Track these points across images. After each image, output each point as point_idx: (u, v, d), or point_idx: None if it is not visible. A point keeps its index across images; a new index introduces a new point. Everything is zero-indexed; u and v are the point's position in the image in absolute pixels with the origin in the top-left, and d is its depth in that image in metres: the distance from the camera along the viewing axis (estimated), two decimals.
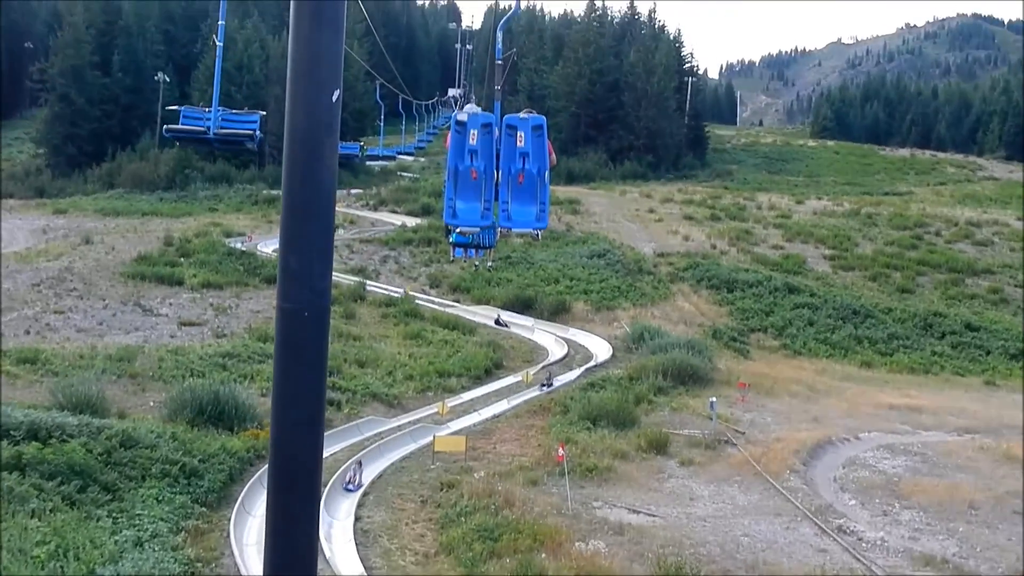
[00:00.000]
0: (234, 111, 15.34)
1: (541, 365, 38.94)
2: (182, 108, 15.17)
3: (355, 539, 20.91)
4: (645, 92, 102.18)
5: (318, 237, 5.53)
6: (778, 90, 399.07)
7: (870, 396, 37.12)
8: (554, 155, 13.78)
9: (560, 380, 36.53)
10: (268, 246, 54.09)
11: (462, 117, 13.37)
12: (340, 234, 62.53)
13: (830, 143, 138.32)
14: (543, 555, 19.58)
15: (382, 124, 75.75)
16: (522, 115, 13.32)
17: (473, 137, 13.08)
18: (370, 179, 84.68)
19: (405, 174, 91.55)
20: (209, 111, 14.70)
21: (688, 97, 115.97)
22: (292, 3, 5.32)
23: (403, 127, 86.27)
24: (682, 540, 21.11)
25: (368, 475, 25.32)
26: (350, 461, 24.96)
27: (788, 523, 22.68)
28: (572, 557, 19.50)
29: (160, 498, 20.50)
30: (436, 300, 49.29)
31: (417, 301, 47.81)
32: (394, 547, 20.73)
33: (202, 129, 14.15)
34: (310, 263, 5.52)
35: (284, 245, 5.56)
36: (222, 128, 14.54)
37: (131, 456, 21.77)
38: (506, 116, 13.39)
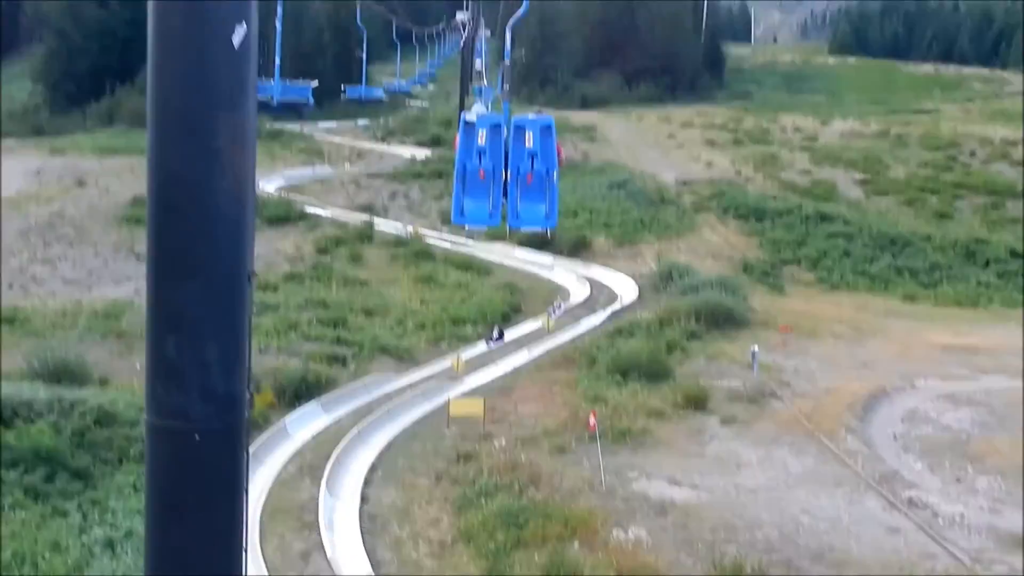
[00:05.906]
0: None
1: (564, 309, 36.25)
2: None
3: (361, 526, 18.51)
4: (660, 11, 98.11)
5: (221, 301, 2.89)
6: (791, 5, 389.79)
7: (920, 335, 34.31)
8: (563, 154, 14.60)
9: (585, 323, 33.98)
10: (270, 184, 51.16)
11: (470, 118, 13.85)
12: (347, 168, 59.71)
13: (850, 59, 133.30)
14: (576, 545, 17.21)
15: (364, 55, 70.97)
16: (531, 116, 13.90)
17: (482, 137, 13.57)
18: (378, 109, 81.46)
19: (414, 103, 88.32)
20: None
21: (704, 16, 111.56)
22: None
23: (398, 59, 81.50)
24: (734, 522, 18.63)
25: (377, 443, 22.92)
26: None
27: (851, 495, 20.19)
28: (610, 549, 17.11)
29: (138, 485, 17.98)
30: (448, 238, 46.49)
31: (428, 240, 45.12)
32: (405, 535, 18.34)
33: None
34: (202, 349, 2.87)
35: (154, 317, 2.93)
36: None
37: (107, 436, 19.38)
38: (515, 117, 13.98)
